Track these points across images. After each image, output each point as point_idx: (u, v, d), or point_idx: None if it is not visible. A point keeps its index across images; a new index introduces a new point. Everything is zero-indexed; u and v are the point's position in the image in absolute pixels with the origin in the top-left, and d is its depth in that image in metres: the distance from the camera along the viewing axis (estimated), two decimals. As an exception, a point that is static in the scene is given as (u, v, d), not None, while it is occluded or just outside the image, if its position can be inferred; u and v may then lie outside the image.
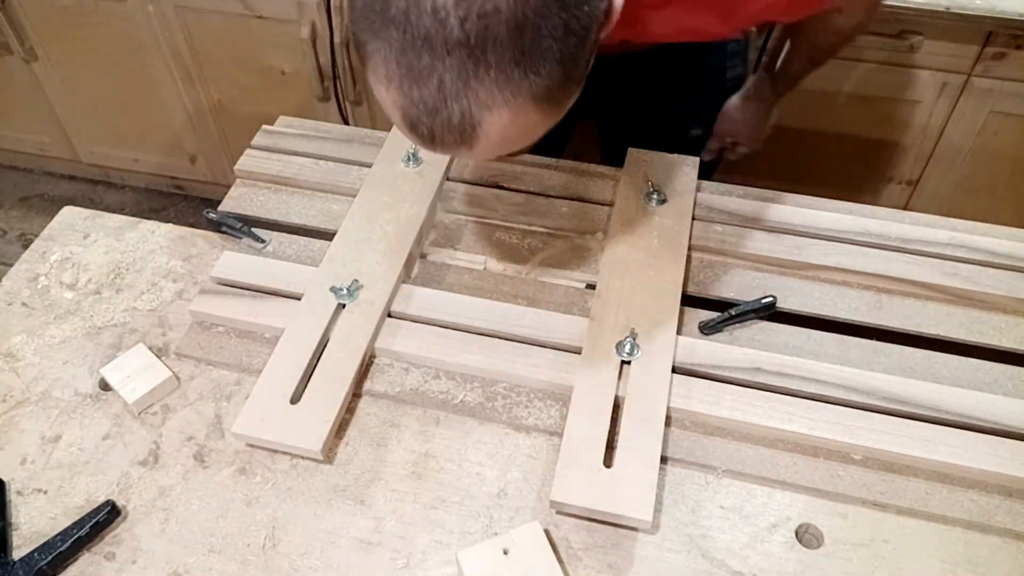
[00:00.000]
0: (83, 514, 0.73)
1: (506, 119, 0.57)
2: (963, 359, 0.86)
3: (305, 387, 0.80)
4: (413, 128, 0.59)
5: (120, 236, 1.00)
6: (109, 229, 1.01)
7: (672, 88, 1.13)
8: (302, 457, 0.79)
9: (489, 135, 0.58)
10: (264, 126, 1.10)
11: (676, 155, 1.03)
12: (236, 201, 1.02)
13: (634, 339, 0.83)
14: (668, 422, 0.80)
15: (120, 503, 0.75)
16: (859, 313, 0.91)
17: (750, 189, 1.02)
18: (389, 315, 0.88)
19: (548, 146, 1.21)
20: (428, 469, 0.78)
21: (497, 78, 0.54)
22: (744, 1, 0.82)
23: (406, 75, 0.55)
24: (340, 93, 1.72)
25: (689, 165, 1.02)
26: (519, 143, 0.62)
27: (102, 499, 0.76)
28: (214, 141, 1.94)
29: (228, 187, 1.04)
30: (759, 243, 0.95)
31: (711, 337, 0.87)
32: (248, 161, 1.05)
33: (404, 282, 0.92)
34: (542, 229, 0.98)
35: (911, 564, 0.72)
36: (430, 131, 0.58)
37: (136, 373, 0.83)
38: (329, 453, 0.79)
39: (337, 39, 1.60)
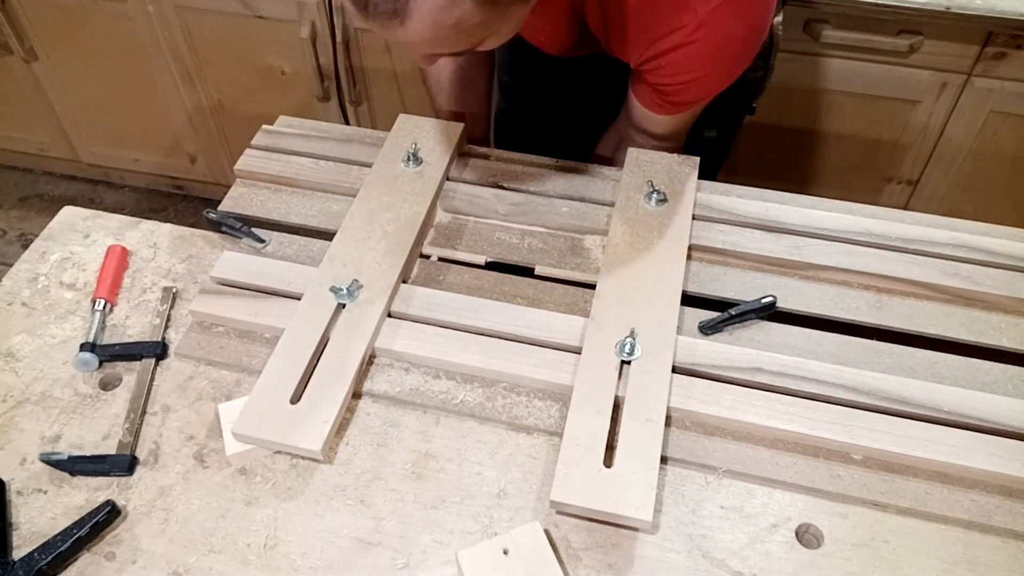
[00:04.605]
0: (83, 514, 0.73)
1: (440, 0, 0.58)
2: (963, 359, 0.86)
3: (305, 387, 0.80)
4: None
5: (120, 236, 1.00)
6: (109, 229, 1.01)
7: None
8: (302, 457, 0.79)
9: (421, 13, 0.59)
10: (264, 126, 1.10)
11: (676, 155, 1.03)
12: (236, 201, 1.02)
13: (634, 339, 0.83)
14: (668, 422, 0.80)
15: (120, 503, 0.75)
16: (859, 313, 0.91)
17: (750, 189, 1.02)
18: (389, 315, 0.88)
19: (554, 146, 1.21)
20: (428, 469, 0.78)
21: None
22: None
23: None
24: (340, 93, 1.72)
25: (689, 165, 1.01)
26: (451, 37, 0.63)
27: (102, 499, 0.76)
28: (214, 141, 1.94)
29: (228, 187, 1.04)
30: (759, 243, 0.95)
31: (711, 337, 0.87)
32: (248, 161, 1.05)
33: (404, 282, 0.92)
34: (542, 229, 0.98)
35: (911, 564, 0.72)
36: None
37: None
38: (329, 453, 0.79)
39: (337, 39, 1.60)
